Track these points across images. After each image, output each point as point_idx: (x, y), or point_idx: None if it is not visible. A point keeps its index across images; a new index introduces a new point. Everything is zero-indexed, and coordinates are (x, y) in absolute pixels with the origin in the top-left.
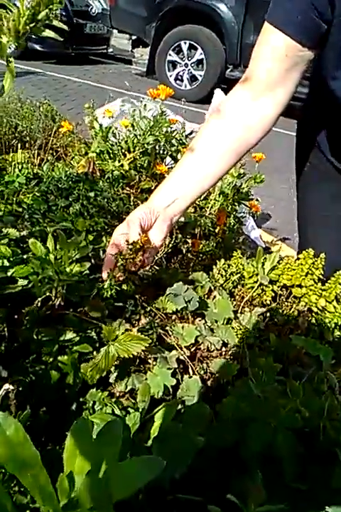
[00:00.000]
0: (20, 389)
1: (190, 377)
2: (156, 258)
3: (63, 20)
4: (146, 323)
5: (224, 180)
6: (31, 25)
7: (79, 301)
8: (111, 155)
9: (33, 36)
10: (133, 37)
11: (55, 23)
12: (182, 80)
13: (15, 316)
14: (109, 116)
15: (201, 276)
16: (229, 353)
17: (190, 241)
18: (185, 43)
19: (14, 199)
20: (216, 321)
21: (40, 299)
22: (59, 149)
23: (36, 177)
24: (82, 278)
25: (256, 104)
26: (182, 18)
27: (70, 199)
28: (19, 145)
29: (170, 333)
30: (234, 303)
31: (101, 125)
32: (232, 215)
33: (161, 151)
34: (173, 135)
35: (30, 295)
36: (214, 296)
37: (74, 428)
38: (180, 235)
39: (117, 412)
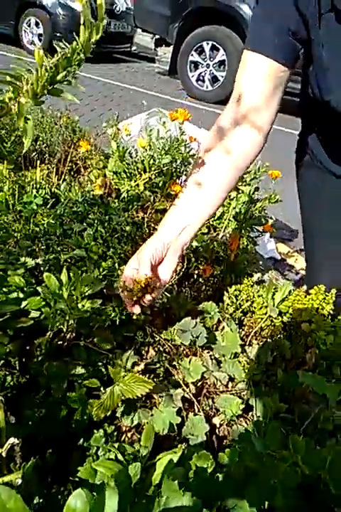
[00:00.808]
0: (30, 423)
1: (195, 414)
2: (166, 285)
3: None
4: (154, 356)
5: (239, 199)
6: (49, 87)
7: (89, 333)
8: (128, 174)
9: (57, 34)
10: (157, 36)
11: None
12: (203, 81)
13: (27, 347)
14: (127, 134)
15: (210, 306)
16: (235, 388)
17: (201, 267)
18: (208, 43)
19: (31, 220)
20: (223, 355)
21: (51, 331)
22: (78, 162)
23: (53, 197)
24: (93, 312)
25: (245, 130)
26: (205, 19)
27: (84, 224)
28: (38, 160)
29: (178, 367)
30: (243, 333)
31: (118, 146)
32: (245, 236)
33: (177, 170)
34: (190, 155)
35: (41, 326)
36: (223, 327)
37: (70, 501)
38: (193, 259)
39: (120, 457)
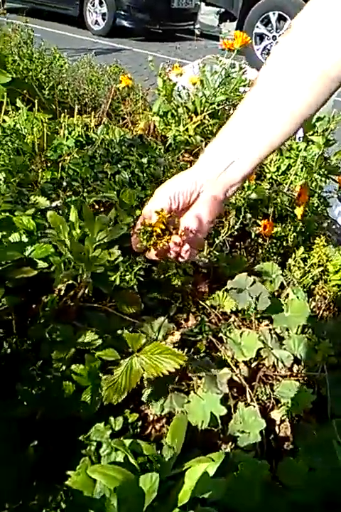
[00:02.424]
0: (25, 403)
1: (247, 405)
2: (217, 242)
3: None
4: (195, 326)
5: (308, 150)
6: None
7: (112, 294)
8: (176, 118)
9: (122, 13)
10: (221, 10)
11: None
12: (269, 54)
13: (33, 306)
14: (178, 75)
15: (271, 267)
16: (303, 373)
17: (261, 223)
18: (274, 13)
19: (60, 164)
20: (287, 329)
21: (60, 286)
22: (126, 116)
23: (89, 142)
24: (111, 266)
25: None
26: None
27: (119, 166)
28: (76, 109)
29: (225, 340)
30: (313, 304)
31: (164, 82)
32: (316, 194)
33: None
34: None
35: (52, 281)
36: (287, 295)
37: None
38: (249, 215)
39: (132, 461)
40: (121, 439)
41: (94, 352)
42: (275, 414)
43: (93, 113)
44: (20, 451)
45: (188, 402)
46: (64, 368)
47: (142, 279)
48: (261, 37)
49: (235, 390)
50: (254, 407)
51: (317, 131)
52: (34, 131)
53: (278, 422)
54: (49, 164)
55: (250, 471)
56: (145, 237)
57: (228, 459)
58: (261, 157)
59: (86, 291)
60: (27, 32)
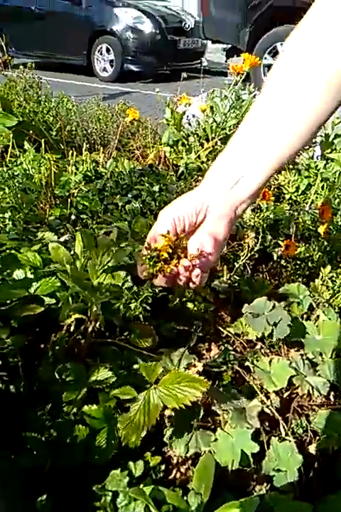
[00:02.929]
0: (34, 452)
1: (281, 439)
2: (237, 266)
3: (158, 39)
4: (218, 355)
5: (328, 168)
6: None
7: (124, 326)
8: (187, 146)
9: (129, 58)
10: (227, 46)
11: None
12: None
13: (41, 346)
14: (186, 105)
15: (298, 288)
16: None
17: (282, 243)
18: (281, 44)
19: (69, 201)
20: (320, 354)
21: (69, 321)
22: (135, 151)
23: (97, 175)
24: (117, 292)
25: None
26: (278, 20)
27: (129, 196)
28: (85, 146)
29: (253, 370)
30: None
31: (172, 111)
32: (340, 212)
33: None
34: None
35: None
36: (317, 317)
37: None
38: (269, 237)
39: (152, 510)
40: (141, 486)
41: (108, 391)
42: (314, 449)
43: (102, 149)
44: (29, 505)
45: (215, 440)
46: (75, 410)
47: (149, 308)
48: (269, 67)
49: (267, 423)
50: (290, 441)
51: (335, 148)
52: (41, 170)
53: (317, 457)
54: (58, 202)
55: None
56: (151, 262)
57: (263, 502)
58: (269, 171)
59: (97, 325)
60: (32, 76)
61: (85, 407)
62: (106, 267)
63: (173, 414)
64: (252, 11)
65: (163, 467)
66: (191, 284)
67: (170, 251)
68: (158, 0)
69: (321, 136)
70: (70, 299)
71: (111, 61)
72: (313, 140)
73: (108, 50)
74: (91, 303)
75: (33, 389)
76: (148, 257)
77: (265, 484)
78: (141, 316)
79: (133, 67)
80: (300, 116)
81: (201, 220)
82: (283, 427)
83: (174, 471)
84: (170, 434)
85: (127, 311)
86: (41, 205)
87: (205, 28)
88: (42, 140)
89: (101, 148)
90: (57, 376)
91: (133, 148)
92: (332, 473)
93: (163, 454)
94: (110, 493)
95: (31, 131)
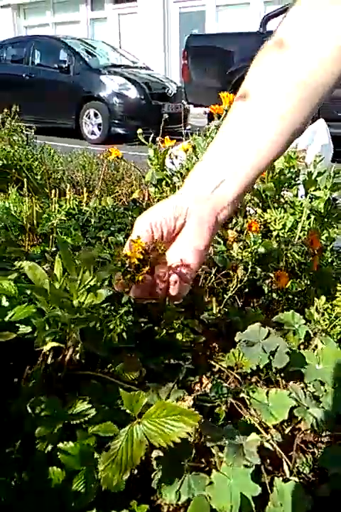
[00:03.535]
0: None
1: (285, 480)
2: (226, 298)
3: (143, 104)
4: (210, 389)
5: (313, 205)
6: None
7: (108, 357)
8: (171, 185)
9: (116, 121)
10: (209, 110)
11: None
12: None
13: (15, 380)
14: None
15: (292, 317)
16: None
17: (273, 274)
18: None
19: (51, 237)
20: (322, 384)
21: (45, 349)
22: (121, 197)
23: (80, 213)
24: (98, 313)
25: (328, 19)
26: None
27: (112, 229)
28: (69, 186)
29: (249, 403)
30: None
31: (155, 149)
32: (328, 248)
33: None
34: None
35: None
36: (316, 346)
37: None
38: (258, 269)
39: None
40: None
41: (87, 427)
42: (325, 490)
43: (86, 193)
44: None
45: (210, 483)
46: (50, 448)
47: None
48: None
49: (268, 461)
50: (295, 481)
51: (319, 187)
52: (23, 209)
53: (328, 499)
54: (40, 241)
55: None
56: (122, 269)
57: None
58: (248, 178)
59: (77, 356)
60: (15, 123)
61: (61, 444)
62: (87, 286)
63: (161, 454)
64: (230, 76)
65: None
66: (170, 294)
67: (141, 257)
68: (141, 69)
69: (304, 174)
70: (47, 325)
71: (99, 125)
72: (297, 180)
73: (96, 115)
74: (69, 328)
75: (1, 426)
76: (120, 265)
77: None
78: (123, 334)
79: (120, 130)
80: (273, 122)
81: (180, 225)
82: (287, 466)
83: None
84: (158, 479)
85: (108, 336)
86: (22, 244)
87: (187, 93)
88: (25, 180)
89: (87, 192)
90: (29, 411)
91: (118, 195)
92: None
93: (151, 502)
94: None
95: (15, 174)
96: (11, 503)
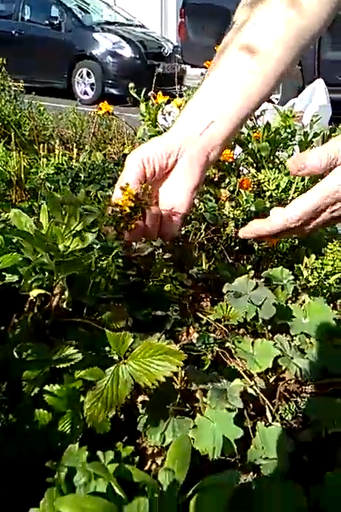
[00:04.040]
0: None
1: (268, 425)
2: (216, 251)
3: (137, 64)
4: (197, 339)
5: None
6: None
7: (95, 306)
8: None
9: (109, 81)
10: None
11: None
12: None
13: (2, 328)
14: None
15: (281, 272)
16: (335, 387)
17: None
18: None
19: (39, 192)
20: (308, 336)
21: (32, 296)
22: (112, 155)
23: (69, 168)
24: (87, 260)
25: None
26: None
27: (102, 183)
28: (58, 142)
29: (234, 351)
30: (335, 312)
31: (147, 104)
32: None
33: None
34: None
35: (24, 299)
36: (303, 301)
37: None
38: None
39: (116, 489)
40: (99, 464)
41: (73, 372)
42: (307, 435)
43: (76, 149)
44: None
45: (194, 426)
46: (36, 390)
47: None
48: None
49: (251, 406)
50: (278, 425)
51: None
52: (11, 164)
53: (309, 444)
54: (28, 196)
55: (279, 498)
56: (114, 222)
57: (250, 489)
58: (239, 118)
59: (64, 305)
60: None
61: (47, 387)
62: (74, 231)
63: (147, 399)
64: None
65: (136, 459)
66: (164, 233)
67: (132, 204)
68: (137, 27)
69: (300, 134)
70: (33, 273)
71: (91, 84)
72: (293, 140)
73: (88, 74)
74: (56, 274)
75: None
76: (112, 216)
77: (251, 474)
78: (115, 276)
79: (113, 91)
80: (275, 79)
81: (172, 163)
82: (270, 411)
83: (149, 463)
84: (144, 422)
85: (96, 285)
86: (10, 199)
87: (184, 53)
88: (13, 134)
89: (76, 149)
90: (16, 356)
91: (109, 153)
92: (326, 460)
93: (136, 444)
94: (65, 469)
95: (1, 129)
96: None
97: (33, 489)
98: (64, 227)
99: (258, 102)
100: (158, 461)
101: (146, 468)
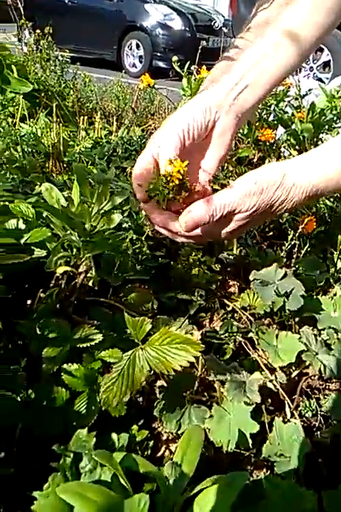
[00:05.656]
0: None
1: (286, 421)
2: (249, 237)
3: (187, 37)
4: (220, 327)
5: None
6: None
7: (120, 287)
8: None
9: (158, 54)
10: None
11: None
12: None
13: (28, 302)
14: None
15: (313, 263)
16: None
17: (300, 219)
18: None
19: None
20: (336, 331)
21: (58, 273)
22: (153, 130)
23: (108, 142)
24: (115, 240)
25: None
26: None
27: None
28: (99, 115)
29: (257, 342)
30: None
31: (189, 79)
32: None
33: (267, 111)
34: (284, 94)
35: (52, 274)
36: (335, 294)
37: None
38: (286, 213)
39: (123, 482)
40: (104, 452)
41: (94, 352)
42: (324, 435)
43: (116, 123)
44: None
45: (211, 416)
46: (55, 368)
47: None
48: (299, 70)
49: (270, 401)
50: (296, 423)
51: None
52: (51, 136)
53: (327, 445)
54: (67, 169)
55: (287, 500)
56: (164, 190)
57: (258, 485)
58: (274, 82)
59: (90, 283)
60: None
61: (65, 365)
62: (102, 210)
63: (165, 384)
64: None
65: (151, 443)
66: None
67: (181, 177)
68: None
69: None
70: (61, 249)
71: (140, 57)
72: (338, 122)
73: (138, 46)
74: (83, 252)
75: (10, 344)
76: (162, 182)
77: (264, 470)
78: (145, 252)
79: (161, 64)
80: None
81: (209, 131)
82: (289, 407)
83: (163, 449)
84: (160, 408)
85: (123, 265)
86: (48, 171)
87: (235, 26)
88: (55, 106)
89: (117, 123)
90: (38, 332)
91: (151, 128)
92: None
93: (152, 429)
94: (71, 455)
95: (44, 99)
96: (17, 417)
97: (46, 470)
98: (92, 205)
99: (291, 70)
100: (172, 447)
101: (160, 454)
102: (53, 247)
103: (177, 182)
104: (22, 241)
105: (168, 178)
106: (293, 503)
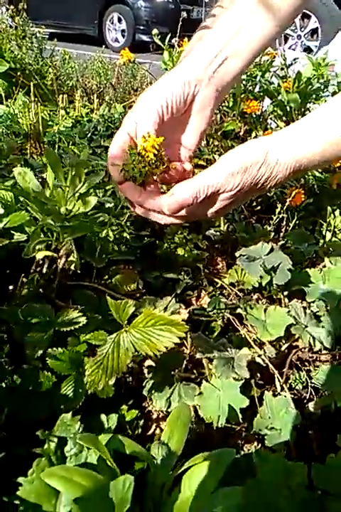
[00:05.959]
0: None
1: (276, 394)
2: (236, 212)
3: (171, 9)
4: (208, 304)
5: None
6: None
7: (104, 269)
8: None
9: (140, 27)
10: None
11: None
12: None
13: (10, 287)
14: None
15: (301, 236)
16: None
17: (288, 191)
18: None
19: (56, 146)
20: (325, 303)
21: (38, 258)
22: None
23: (89, 121)
24: (94, 223)
25: None
26: None
27: None
28: (79, 93)
29: (246, 318)
30: None
31: (170, 52)
32: None
33: (253, 82)
34: (269, 64)
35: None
36: (324, 267)
37: None
38: (273, 189)
39: (109, 464)
40: (89, 435)
41: (79, 335)
42: (314, 406)
43: (97, 100)
44: None
45: (200, 393)
46: (40, 353)
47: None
48: (285, 37)
49: (259, 375)
50: (286, 396)
51: None
52: (29, 116)
53: (317, 416)
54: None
55: (276, 474)
56: (138, 165)
57: (248, 460)
58: (253, 54)
59: (72, 267)
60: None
61: (50, 350)
62: (77, 194)
63: (153, 364)
64: None
65: (141, 422)
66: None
67: (156, 152)
68: None
69: (333, 84)
70: (41, 233)
71: (122, 31)
72: (325, 91)
73: (120, 20)
74: (62, 236)
75: None
76: (135, 159)
77: (255, 444)
78: (127, 235)
79: (145, 38)
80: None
81: (188, 105)
82: (278, 381)
83: (153, 427)
84: (149, 387)
85: (106, 246)
86: (27, 152)
87: None
88: (32, 85)
89: (98, 100)
90: (21, 317)
91: (132, 104)
92: (334, 433)
93: (142, 408)
94: (56, 439)
95: (20, 78)
96: (2, 402)
97: (32, 456)
98: (67, 189)
99: (272, 39)
100: (163, 425)
101: (150, 432)
102: (32, 231)
103: (152, 156)
104: (1, 225)
105: (143, 153)
106: (282, 477)
